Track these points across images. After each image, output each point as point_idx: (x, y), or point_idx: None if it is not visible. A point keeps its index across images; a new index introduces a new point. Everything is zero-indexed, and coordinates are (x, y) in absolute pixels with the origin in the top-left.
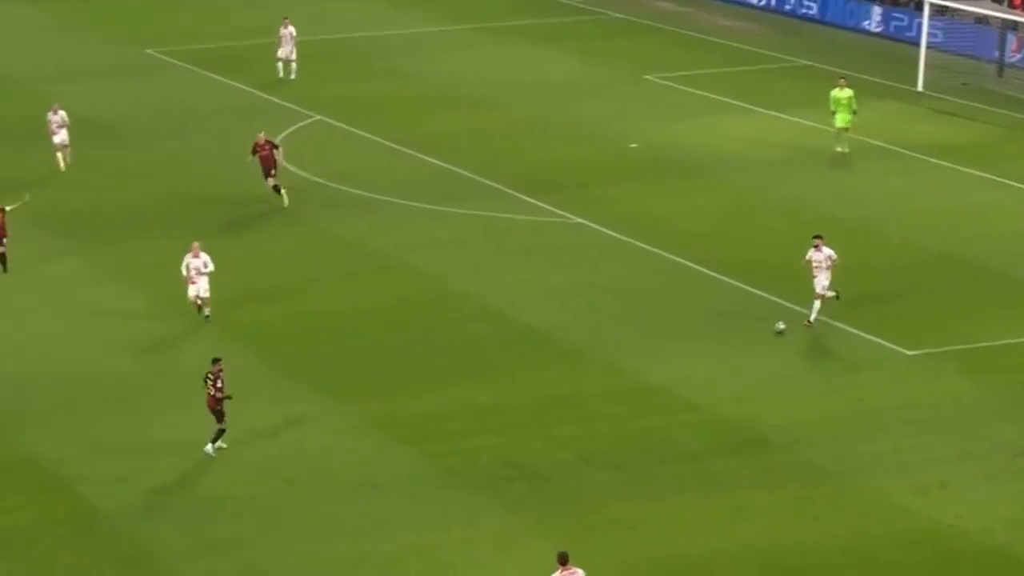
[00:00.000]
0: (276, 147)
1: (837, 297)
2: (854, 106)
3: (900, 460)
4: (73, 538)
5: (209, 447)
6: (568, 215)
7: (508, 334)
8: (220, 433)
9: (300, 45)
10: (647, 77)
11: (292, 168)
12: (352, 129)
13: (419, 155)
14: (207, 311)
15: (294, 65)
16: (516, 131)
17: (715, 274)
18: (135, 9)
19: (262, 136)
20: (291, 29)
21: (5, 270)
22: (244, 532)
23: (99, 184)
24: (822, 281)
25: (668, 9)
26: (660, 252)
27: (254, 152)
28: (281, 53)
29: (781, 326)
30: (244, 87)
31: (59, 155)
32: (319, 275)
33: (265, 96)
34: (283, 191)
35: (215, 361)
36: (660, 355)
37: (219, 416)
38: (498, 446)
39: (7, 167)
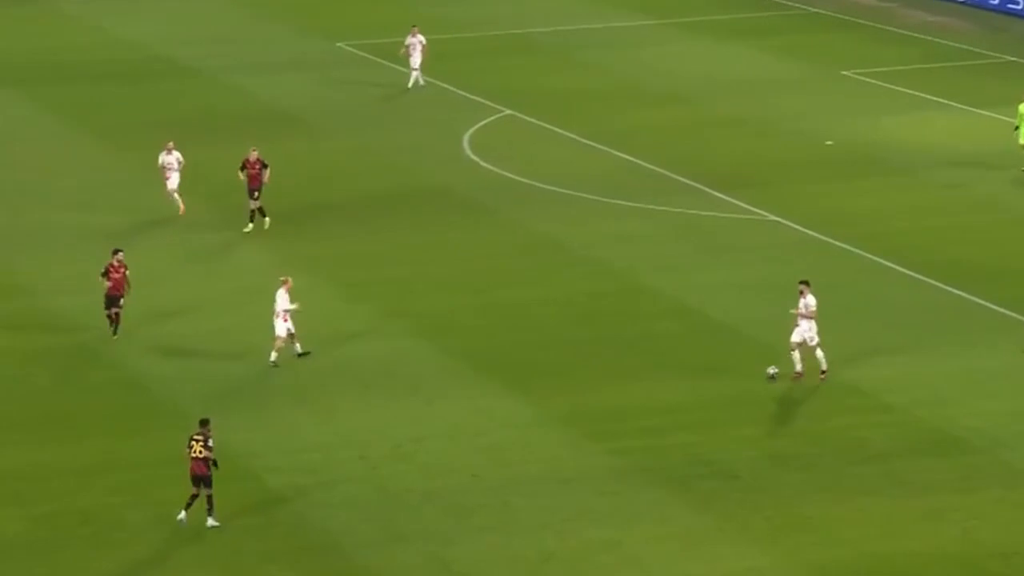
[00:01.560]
0: (266, 167)
1: (823, 374)
2: None
3: None
4: (260, 527)
5: (210, 520)
6: (763, 212)
7: (700, 331)
8: (211, 500)
9: (497, 39)
10: (845, 73)
11: (482, 163)
12: (543, 124)
13: (611, 150)
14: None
15: (415, 74)
16: (711, 127)
17: (912, 273)
18: (329, 1)
19: (254, 154)
20: (420, 38)
21: (115, 333)
22: (429, 524)
23: (288, 177)
24: (801, 332)
25: (870, 4)
26: (856, 251)
27: (243, 169)
28: (413, 62)
29: (772, 371)
30: (434, 81)
31: (177, 198)
32: (509, 269)
33: (456, 90)
34: (266, 217)
35: (203, 423)
36: (854, 354)
37: (206, 482)
38: (689, 443)
39: (198, 160)
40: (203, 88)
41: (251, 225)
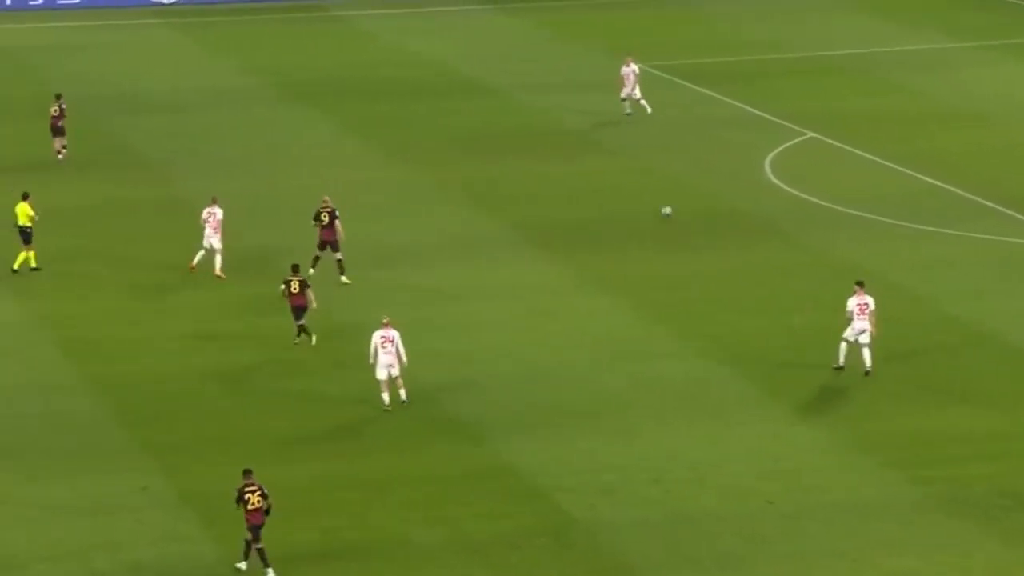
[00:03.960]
0: (336, 218)
1: (866, 373)
2: None
3: None
4: (552, 548)
5: (270, 571)
6: None
7: (1007, 360)
8: (263, 551)
9: (801, 60)
10: None
11: (784, 186)
12: (845, 147)
13: (916, 174)
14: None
15: (644, 103)
16: (1018, 150)
17: None
18: (634, 23)
19: (328, 201)
20: (633, 67)
21: (308, 339)
22: (724, 550)
23: (584, 195)
24: (854, 331)
25: None
26: None
27: (317, 219)
28: (623, 93)
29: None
30: (735, 102)
31: (200, 254)
32: (809, 293)
33: (758, 112)
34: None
35: (247, 473)
36: None
37: (258, 533)
38: (994, 475)
39: (491, 178)
40: (499, 106)
41: (312, 270)
